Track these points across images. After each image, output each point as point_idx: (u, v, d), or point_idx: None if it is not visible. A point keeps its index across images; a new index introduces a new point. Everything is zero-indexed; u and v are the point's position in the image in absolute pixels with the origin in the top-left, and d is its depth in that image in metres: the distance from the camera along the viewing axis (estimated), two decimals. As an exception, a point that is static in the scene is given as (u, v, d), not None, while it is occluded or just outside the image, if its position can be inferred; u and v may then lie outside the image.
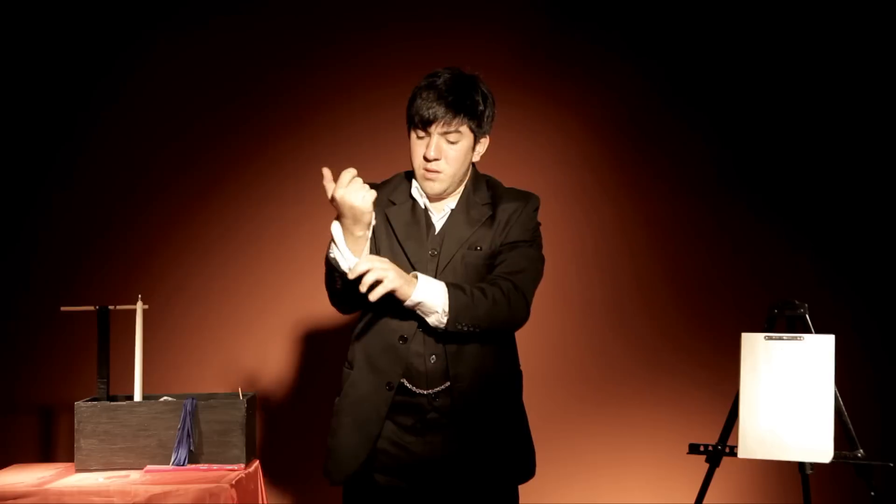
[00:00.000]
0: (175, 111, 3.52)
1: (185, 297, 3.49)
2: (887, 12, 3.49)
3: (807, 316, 2.69)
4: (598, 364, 3.55)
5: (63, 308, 2.86)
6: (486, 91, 2.41)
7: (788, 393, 2.61)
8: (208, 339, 3.50)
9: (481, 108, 2.38)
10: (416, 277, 2.21)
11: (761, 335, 2.66)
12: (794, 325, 2.70)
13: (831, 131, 3.54)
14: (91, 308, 2.84)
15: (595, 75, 3.56)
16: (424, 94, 2.35)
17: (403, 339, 2.33)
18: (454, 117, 2.32)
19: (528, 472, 2.44)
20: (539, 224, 2.45)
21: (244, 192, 3.53)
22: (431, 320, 2.25)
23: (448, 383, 2.32)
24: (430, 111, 2.32)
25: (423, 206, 2.40)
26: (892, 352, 3.50)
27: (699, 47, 3.55)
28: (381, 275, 2.15)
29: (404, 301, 2.21)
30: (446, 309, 2.22)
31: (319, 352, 3.50)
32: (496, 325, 2.30)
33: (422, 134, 2.35)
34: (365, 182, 2.37)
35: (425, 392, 2.33)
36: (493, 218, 2.39)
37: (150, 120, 3.52)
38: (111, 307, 2.85)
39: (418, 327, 2.32)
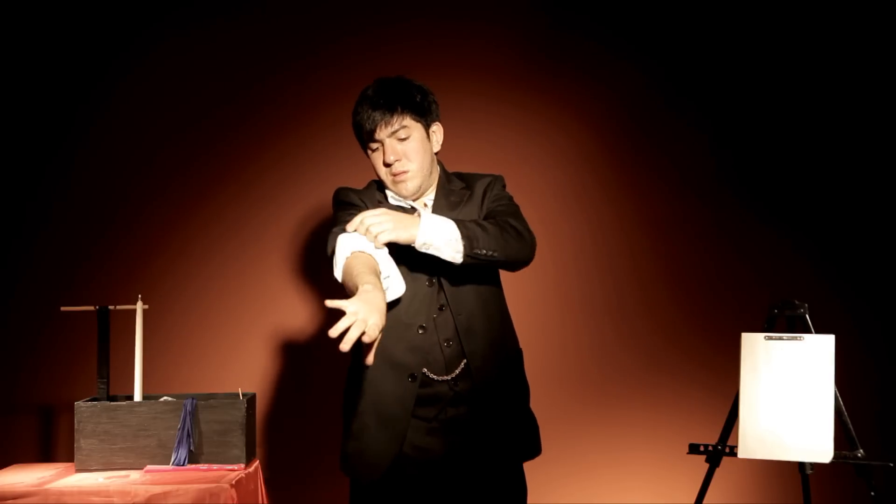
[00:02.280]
0: (175, 111, 3.52)
1: (185, 297, 3.49)
2: (887, 12, 3.49)
3: (807, 316, 2.70)
4: (598, 364, 3.55)
5: (63, 308, 2.86)
6: (416, 83, 2.45)
7: (788, 393, 2.61)
8: (208, 339, 3.49)
9: (418, 97, 2.42)
10: (420, 216, 2.26)
11: (761, 335, 2.66)
12: (794, 325, 2.70)
13: (831, 131, 3.54)
14: (91, 308, 2.84)
15: (596, 75, 3.56)
16: (359, 110, 2.41)
17: (422, 328, 2.35)
18: (392, 114, 2.37)
19: (536, 449, 2.49)
20: (511, 196, 2.53)
21: (244, 192, 3.53)
22: (447, 254, 2.26)
23: (465, 361, 2.35)
24: (369, 120, 2.37)
25: (409, 206, 2.45)
26: (892, 352, 3.50)
27: (700, 47, 3.55)
28: (377, 229, 2.22)
29: (413, 244, 2.24)
30: (458, 237, 2.24)
31: (319, 351, 3.50)
32: (510, 252, 2.33)
33: (374, 145, 2.40)
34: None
35: (446, 378, 2.35)
36: (471, 196, 2.46)
37: (149, 119, 3.51)
38: (111, 307, 2.85)
39: (433, 317, 2.35)
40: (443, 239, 2.25)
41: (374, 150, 2.41)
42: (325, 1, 3.56)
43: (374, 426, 2.36)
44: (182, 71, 3.52)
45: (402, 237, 2.24)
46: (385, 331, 2.35)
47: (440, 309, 2.37)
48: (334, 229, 2.37)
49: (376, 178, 2.50)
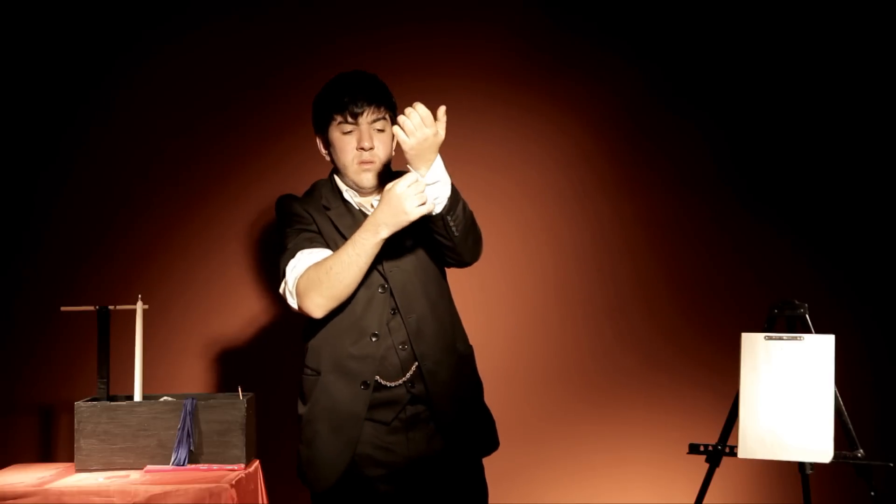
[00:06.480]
0: (175, 111, 3.52)
1: (185, 297, 3.49)
2: (887, 12, 3.49)
3: (807, 316, 2.69)
4: (598, 364, 3.55)
5: (63, 308, 2.86)
6: None
7: (788, 393, 2.61)
8: (208, 339, 3.49)
9: (393, 100, 2.47)
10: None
11: (761, 335, 2.66)
12: (794, 325, 2.70)
13: (831, 131, 3.54)
14: (91, 308, 2.84)
15: (595, 75, 3.56)
16: (345, 90, 2.41)
17: (375, 335, 2.35)
18: (380, 105, 2.41)
19: (493, 444, 2.52)
20: None
21: (244, 191, 3.53)
22: (433, 196, 2.25)
23: (416, 363, 2.36)
24: (356, 103, 2.39)
25: (356, 207, 2.45)
26: (892, 352, 3.50)
27: (700, 47, 3.55)
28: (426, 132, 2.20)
29: (425, 168, 2.24)
30: (449, 194, 2.26)
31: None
32: (464, 246, 2.35)
33: (349, 128, 2.40)
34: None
35: (401, 381, 2.36)
36: None
37: (150, 119, 3.52)
38: (111, 307, 2.85)
39: (386, 322, 2.36)
40: (442, 187, 2.25)
41: (346, 133, 2.41)
42: (325, 2, 3.56)
43: (326, 434, 2.39)
44: (182, 72, 3.52)
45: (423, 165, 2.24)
46: (338, 338, 2.37)
47: (392, 313, 2.38)
48: (288, 248, 2.39)
49: (323, 179, 2.53)
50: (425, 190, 2.23)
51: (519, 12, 3.56)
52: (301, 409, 2.46)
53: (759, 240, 3.55)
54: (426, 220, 2.29)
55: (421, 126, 2.17)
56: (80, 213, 3.50)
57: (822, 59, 3.53)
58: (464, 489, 2.45)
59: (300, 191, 3.50)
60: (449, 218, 2.27)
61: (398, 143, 2.28)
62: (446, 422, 2.39)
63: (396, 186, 2.22)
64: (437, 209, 2.27)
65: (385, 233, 2.25)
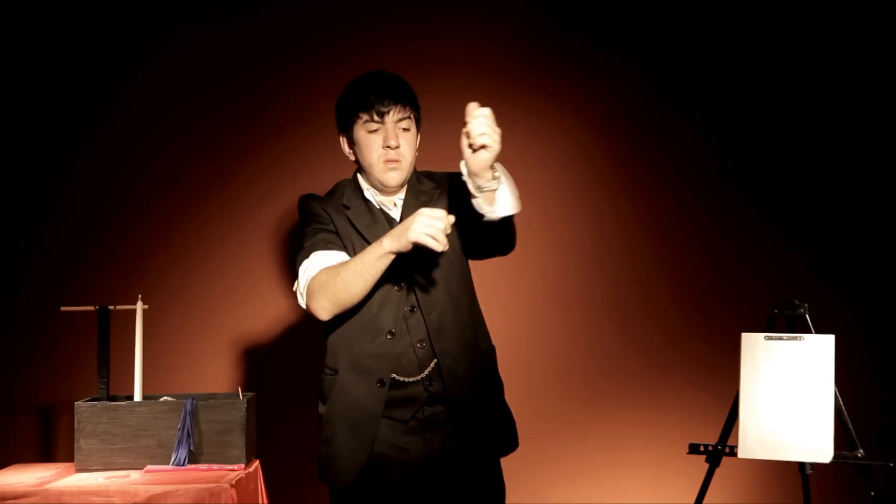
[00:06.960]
0: (175, 111, 3.52)
1: (185, 297, 3.49)
2: (887, 12, 3.49)
3: (807, 316, 2.69)
4: (598, 364, 3.55)
5: (63, 308, 2.86)
6: None
7: (788, 393, 2.61)
8: (208, 339, 3.50)
9: (417, 99, 2.46)
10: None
11: (761, 335, 2.66)
12: (794, 325, 2.70)
13: (831, 131, 3.54)
14: (91, 308, 2.84)
15: (595, 75, 3.56)
16: (371, 89, 2.39)
17: (391, 333, 2.35)
18: (406, 104, 2.40)
19: (513, 443, 2.51)
20: None
21: (244, 192, 3.53)
22: (506, 193, 2.23)
23: (435, 360, 2.35)
24: (382, 102, 2.37)
25: (377, 206, 2.44)
26: (892, 352, 3.50)
27: (699, 46, 3.56)
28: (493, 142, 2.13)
29: (489, 175, 2.18)
30: (516, 194, 2.25)
31: (320, 352, 3.49)
32: (512, 235, 2.36)
33: (374, 126, 2.39)
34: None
35: (419, 378, 2.35)
36: (441, 194, 2.45)
37: (150, 120, 3.52)
38: (111, 307, 2.85)
39: (404, 319, 2.35)
40: (510, 186, 2.24)
41: (371, 132, 2.39)
42: (325, 2, 3.56)
43: (344, 432, 2.37)
44: (183, 72, 3.52)
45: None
46: (355, 337, 2.37)
47: (411, 310, 2.38)
48: (304, 247, 2.39)
49: (346, 178, 2.51)
50: (447, 230, 2.18)
51: (519, 12, 3.56)
52: (321, 408, 2.45)
53: (758, 240, 3.55)
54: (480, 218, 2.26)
55: (494, 126, 2.12)
56: (80, 213, 3.50)
57: (821, 59, 3.53)
58: (481, 489, 2.44)
59: (300, 190, 3.51)
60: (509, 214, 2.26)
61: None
62: (464, 422, 2.38)
63: (423, 208, 2.20)
64: (508, 210, 2.24)
65: (388, 244, 2.20)
